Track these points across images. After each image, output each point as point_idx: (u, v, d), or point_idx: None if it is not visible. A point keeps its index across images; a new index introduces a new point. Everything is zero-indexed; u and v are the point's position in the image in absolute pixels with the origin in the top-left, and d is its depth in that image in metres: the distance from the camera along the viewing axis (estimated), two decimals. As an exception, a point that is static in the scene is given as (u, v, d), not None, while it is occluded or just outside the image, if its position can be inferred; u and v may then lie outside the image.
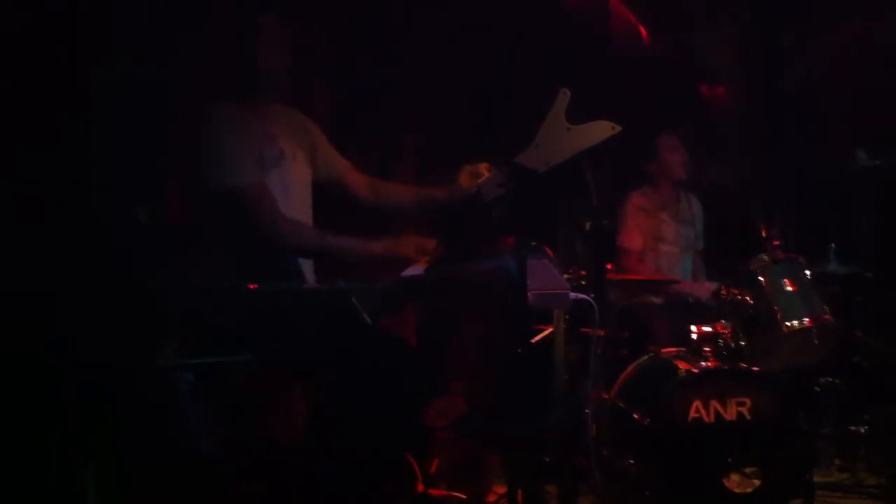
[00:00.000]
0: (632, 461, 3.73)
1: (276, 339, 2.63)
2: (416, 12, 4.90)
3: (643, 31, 5.90)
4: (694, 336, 3.96)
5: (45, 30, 3.21)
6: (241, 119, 3.02)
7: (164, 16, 3.56)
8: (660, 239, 4.91)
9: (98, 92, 3.31)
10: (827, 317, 4.08)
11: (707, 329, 3.95)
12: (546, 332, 3.50)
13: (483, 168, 3.02)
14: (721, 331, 3.95)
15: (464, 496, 3.81)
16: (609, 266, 4.22)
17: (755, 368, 3.76)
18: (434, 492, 3.77)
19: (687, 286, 4.91)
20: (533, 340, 3.48)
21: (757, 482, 3.58)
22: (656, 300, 4.84)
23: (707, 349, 3.89)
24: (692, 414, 3.60)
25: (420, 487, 3.64)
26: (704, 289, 4.74)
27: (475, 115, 4.94)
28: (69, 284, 2.74)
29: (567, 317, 3.39)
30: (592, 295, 3.06)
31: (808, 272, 4.17)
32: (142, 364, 2.60)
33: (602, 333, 3.78)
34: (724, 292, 4.22)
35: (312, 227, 3.13)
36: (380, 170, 3.48)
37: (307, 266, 3.15)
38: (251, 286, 2.60)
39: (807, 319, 4.04)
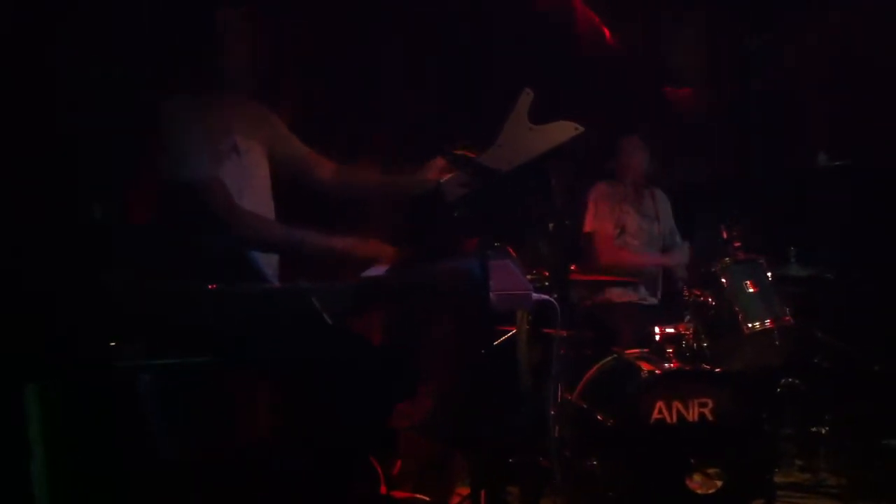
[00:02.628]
0: (595, 462, 3.73)
1: (236, 340, 2.59)
2: (385, 8, 4.88)
3: (607, 33, 5.92)
4: (657, 337, 3.98)
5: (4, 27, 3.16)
6: (195, 112, 2.97)
7: (123, 8, 3.51)
8: (622, 230, 4.91)
9: (57, 88, 3.26)
10: (787, 318, 4.11)
11: (670, 330, 3.98)
12: (509, 334, 3.49)
13: (445, 164, 2.98)
14: (684, 332, 3.97)
15: (427, 498, 3.79)
16: (572, 266, 4.23)
17: (717, 369, 3.78)
18: (397, 494, 3.75)
19: (657, 258, 4.92)
20: (496, 342, 3.47)
21: (719, 482, 3.60)
22: (620, 300, 4.84)
23: (670, 350, 3.91)
24: (655, 415, 3.61)
25: (383, 489, 3.62)
26: (678, 255, 4.77)
27: (440, 114, 4.93)
28: (25, 282, 2.69)
29: (530, 318, 3.39)
30: (555, 295, 3.05)
31: (769, 274, 4.20)
32: (102, 365, 2.56)
33: (565, 334, 3.80)
34: (686, 294, 4.24)
35: (272, 220, 3.08)
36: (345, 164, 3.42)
37: (271, 267, 3.11)
38: (211, 287, 2.57)
39: (768, 321, 4.08)
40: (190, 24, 3.05)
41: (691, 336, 3.98)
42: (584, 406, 3.95)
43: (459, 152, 2.85)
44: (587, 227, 4.90)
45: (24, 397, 2.40)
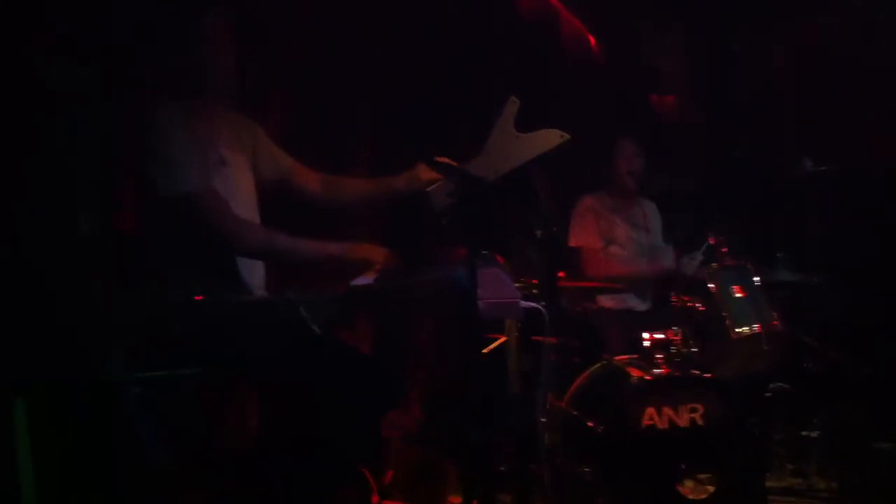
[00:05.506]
0: (586, 469, 3.73)
1: (223, 351, 2.59)
2: (369, 15, 4.89)
3: (592, 40, 5.94)
4: (646, 343, 3.98)
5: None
6: (184, 121, 2.96)
7: (109, 15, 3.51)
8: (611, 240, 4.92)
9: (41, 94, 3.26)
10: (775, 323, 4.12)
11: (659, 336, 3.98)
12: (499, 342, 3.49)
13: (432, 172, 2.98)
14: (673, 338, 3.97)
15: (419, 507, 3.79)
16: (561, 274, 4.23)
17: (707, 375, 3.79)
18: (389, 503, 3.75)
19: (644, 267, 4.92)
20: (486, 350, 3.47)
21: (710, 488, 3.60)
22: (609, 306, 4.85)
23: (659, 356, 3.91)
24: (645, 421, 3.61)
25: (375, 499, 3.62)
26: (664, 263, 4.76)
27: (427, 123, 4.94)
28: (13, 294, 2.69)
29: (519, 325, 3.40)
30: (544, 303, 3.06)
31: (756, 279, 4.21)
32: (89, 377, 2.56)
33: (554, 341, 3.80)
34: (674, 299, 4.24)
35: (267, 229, 3.06)
36: (331, 173, 3.41)
37: (257, 277, 3.10)
38: (197, 298, 2.57)
39: (756, 325, 4.09)
40: (175, 34, 3.05)
41: (680, 342, 3.98)
42: (574, 413, 3.95)
43: (444, 161, 2.86)
44: (572, 243, 4.89)
45: (12, 410, 2.39)
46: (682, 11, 6.06)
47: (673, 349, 3.96)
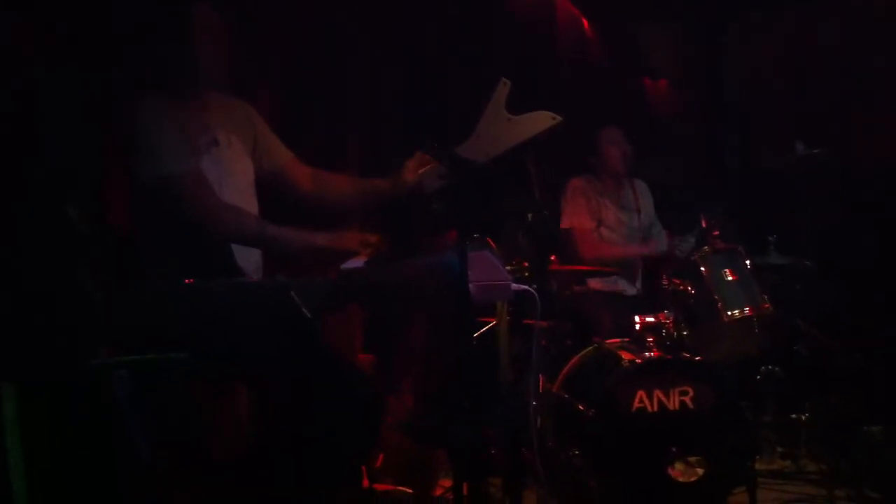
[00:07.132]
0: (576, 452, 3.74)
1: (213, 336, 2.57)
2: (369, 15, 4.88)
3: (586, 25, 5.93)
4: (637, 326, 3.98)
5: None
6: (172, 109, 2.94)
7: (97, 6, 3.48)
8: (600, 223, 4.91)
9: (30, 87, 3.24)
10: (766, 306, 4.13)
11: (650, 319, 3.98)
12: (489, 325, 3.49)
13: (423, 159, 2.98)
14: (664, 321, 3.98)
15: (410, 491, 3.80)
16: (552, 257, 4.22)
17: (697, 358, 3.79)
18: (379, 487, 3.75)
19: (638, 248, 4.92)
20: (476, 334, 3.46)
21: (700, 471, 3.60)
22: (599, 288, 4.85)
23: (650, 339, 3.92)
24: (636, 404, 3.62)
25: (366, 482, 3.62)
26: (658, 244, 4.76)
27: (419, 108, 4.93)
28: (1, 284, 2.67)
29: (510, 309, 3.39)
30: (535, 286, 3.05)
31: (748, 262, 4.21)
32: (77, 367, 2.54)
33: (545, 325, 3.80)
34: (666, 282, 4.25)
35: (252, 215, 3.03)
36: (323, 165, 3.40)
37: (253, 261, 3.09)
38: (187, 281, 2.55)
39: (747, 308, 4.09)
40: (165, 22, 3.03)
41: (671, 325, 3.99)
42: (566, 396, 3.95)
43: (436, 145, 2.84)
44: (564, 224, 4.89)
45: (1, 395, 2.38)
46: (682, 11, 6.05)
47: (664, 332, 3.97)
